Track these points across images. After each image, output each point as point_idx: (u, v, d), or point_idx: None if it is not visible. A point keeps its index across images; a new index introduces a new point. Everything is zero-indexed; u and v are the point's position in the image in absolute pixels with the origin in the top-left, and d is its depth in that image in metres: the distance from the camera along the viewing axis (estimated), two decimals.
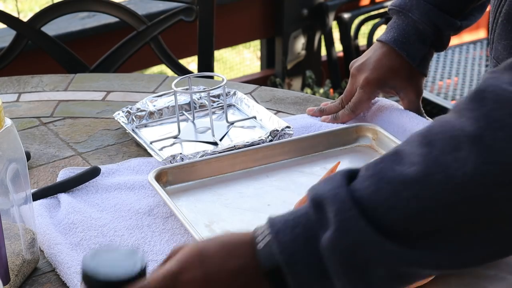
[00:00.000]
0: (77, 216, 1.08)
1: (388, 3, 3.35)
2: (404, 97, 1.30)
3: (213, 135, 1.28)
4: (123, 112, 1.34)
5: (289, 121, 1.31)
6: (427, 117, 1.31)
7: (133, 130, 1.31)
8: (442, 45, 1.30)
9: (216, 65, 3.36)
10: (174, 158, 1.18)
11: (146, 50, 1.87)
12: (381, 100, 1.33)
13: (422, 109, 1.31)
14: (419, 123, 1.25)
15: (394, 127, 1.27)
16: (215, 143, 1.27)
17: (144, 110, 1.35)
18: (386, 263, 0.68)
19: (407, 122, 1.26)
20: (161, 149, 1.26)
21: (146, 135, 1.31)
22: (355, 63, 1.32)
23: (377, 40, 1.31)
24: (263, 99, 1.44)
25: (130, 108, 1.34)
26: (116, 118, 1.32)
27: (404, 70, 1.29)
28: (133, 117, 1.34)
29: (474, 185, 0.66)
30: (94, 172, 1.16)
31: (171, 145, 1.28)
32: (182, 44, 2.49)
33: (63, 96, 1.48)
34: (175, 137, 1.29)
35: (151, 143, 1.27)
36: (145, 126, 1.34)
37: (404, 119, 1.26)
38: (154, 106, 1.36)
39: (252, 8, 3.13)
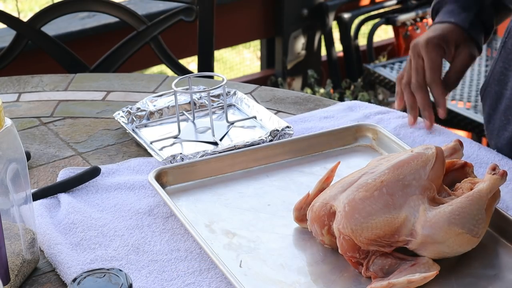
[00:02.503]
0: (77, 216, 1.08)
1: (388, 3, 3.37)
2: (459, 54, 1.29)
3: (213, 135, 1.28)
4: (123, 112, 1.34)
5: (289, 121, 1.31)
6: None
7: (133, 130, 1.31)
8: (489, 18, 1.31)
9: (216, 65, 3.36)
10: (174, 158, 1.18)
11: (146, 50, 1.87)
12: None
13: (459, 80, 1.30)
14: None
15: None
16: (215, 143, 1.27)
17: (144, 110, 1.35)
18: None
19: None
20: (161, 149, 1.26)
21: (146, 135, 1.31)
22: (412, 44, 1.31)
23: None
24: (263, 99, 1.44)
25: (130, 108, 1.35)
26: (116, 118, 1.32)
27: (459, 32, 1.29)
28: (133, 117, 1.34)
29: None
30: (94, 172, 1.16)
31: (171, 145, 1.28)
32: (182, 44, 2.50)
33: (63, 96, 1.48)
34: (175, 137, 1.29)
35: (151, 143, 1.27)
36: (145, 126, 1.34)
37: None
38: (154, 106, 1.36)
39: (252, 8, 3.13)
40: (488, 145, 1.30)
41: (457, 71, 1.29)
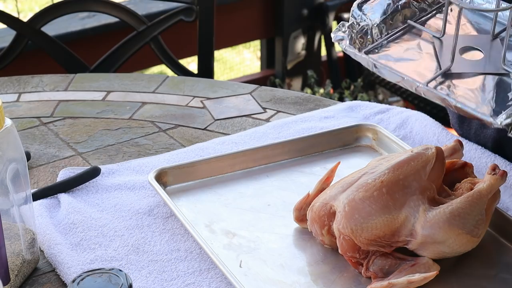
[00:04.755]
0: (77, 216, 1.08)
1: None
2: None
3: (504, 63, 0.92)
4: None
5: (289, 121, 1.31)
6: None
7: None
8: None
9: (216, 65, 3.36)
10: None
11: (146, 50, 1.87)
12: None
13: None
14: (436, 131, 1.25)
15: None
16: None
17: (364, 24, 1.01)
18: None
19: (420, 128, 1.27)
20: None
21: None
22: None
23: None
24: (263, 99, 1.44)
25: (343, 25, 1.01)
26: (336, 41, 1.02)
27: None
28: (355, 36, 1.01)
29: None
30: (94, 172, 1.16)
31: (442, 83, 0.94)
32: (182, 44, 2.50)
33: (63, 96, 1.48)
34: (447, 71, 0.95)
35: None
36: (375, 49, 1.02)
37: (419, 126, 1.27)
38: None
39: (252, 8, 3.13)
40: None
41: None
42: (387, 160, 1.03)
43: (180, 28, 1.90)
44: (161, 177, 1.13)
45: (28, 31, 1.82)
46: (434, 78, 0.94)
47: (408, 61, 0.98)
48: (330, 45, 3.30)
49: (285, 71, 3.26)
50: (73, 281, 0.79)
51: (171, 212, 1.08)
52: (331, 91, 3.22)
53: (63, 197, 1.12)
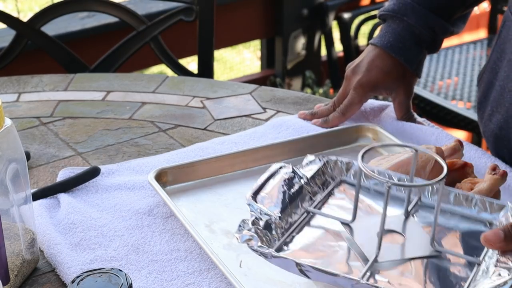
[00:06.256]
0: (77, 216, 1.07)
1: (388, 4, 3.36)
2: (395, 98, 1.30)
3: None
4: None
5: (289, 120, 1.31)
6: (416, 116, 1.31)
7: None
8: (435, 48, 1.31)
9: (216, 65, 3.37)
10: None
11: (146, 50, 1.87)
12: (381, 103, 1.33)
13: (412, 110, 1.31)
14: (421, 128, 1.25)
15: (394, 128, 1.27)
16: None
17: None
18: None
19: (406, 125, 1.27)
20: None
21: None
22: (351, 66, 1.33)
23: (370, 43, 1.31)
24: (263, 99, 1.44)
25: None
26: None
27: (397, 72, 1.29)
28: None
29: None
30: (94, 172, 1.16)
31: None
32: (182, 44, 2.50)
33: (63, 96, 1.48)
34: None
35: None
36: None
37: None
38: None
39: (252, 8, 3.13)
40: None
41: (403, 109, 1.30)
42: (387, 161, 1.03)
43: (180, 28, 1.91)
44: (161, 177, 1.13)
45: (28, 31, 1.83)
46: (366, 271, 0.88)
47: (326, 257, 0.93)
48: (330, 45, 3.30)
49: (285, 71, 3.26)
50: (73, 281, 0.79)
51: (171, 212, 1.08)
52: (331, 91, 3.22)
53: (63, 197, 1.12)
